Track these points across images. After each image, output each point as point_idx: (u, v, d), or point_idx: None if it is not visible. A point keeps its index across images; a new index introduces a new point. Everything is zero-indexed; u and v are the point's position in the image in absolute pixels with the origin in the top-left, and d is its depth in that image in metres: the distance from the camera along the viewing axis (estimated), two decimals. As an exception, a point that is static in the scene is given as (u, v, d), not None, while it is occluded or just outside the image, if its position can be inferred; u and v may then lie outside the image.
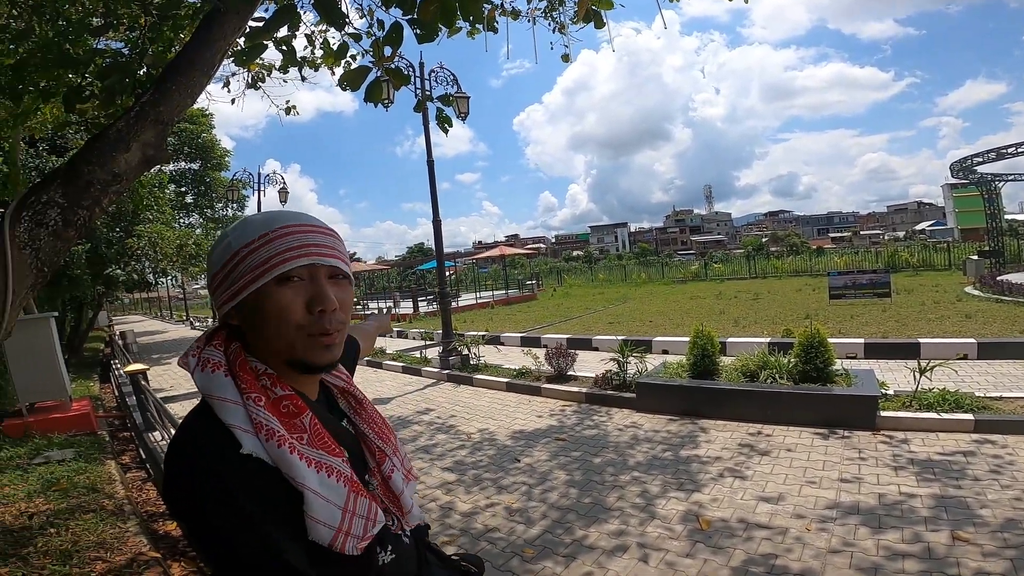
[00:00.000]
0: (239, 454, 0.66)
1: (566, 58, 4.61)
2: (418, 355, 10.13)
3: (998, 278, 14.27)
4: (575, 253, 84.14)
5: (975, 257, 17.80)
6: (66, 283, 10.06)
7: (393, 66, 2.22)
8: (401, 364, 9.81)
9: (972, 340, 7.36)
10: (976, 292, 13.95)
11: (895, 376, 6.17)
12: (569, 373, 7.19)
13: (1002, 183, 17.81)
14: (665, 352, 9.04)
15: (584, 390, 6.49)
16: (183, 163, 20.20)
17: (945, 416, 4.46)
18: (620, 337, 9.55)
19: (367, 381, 9.07)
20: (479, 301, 23.68)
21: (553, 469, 4.48)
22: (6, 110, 2.59)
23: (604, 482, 4.13)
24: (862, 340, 7.95)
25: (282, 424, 0.71)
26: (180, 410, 6.42)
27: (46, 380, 5.86)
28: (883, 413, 4.67)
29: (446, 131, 3.57)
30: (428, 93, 8.13)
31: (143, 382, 6.35)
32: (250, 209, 19.13)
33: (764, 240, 63.92)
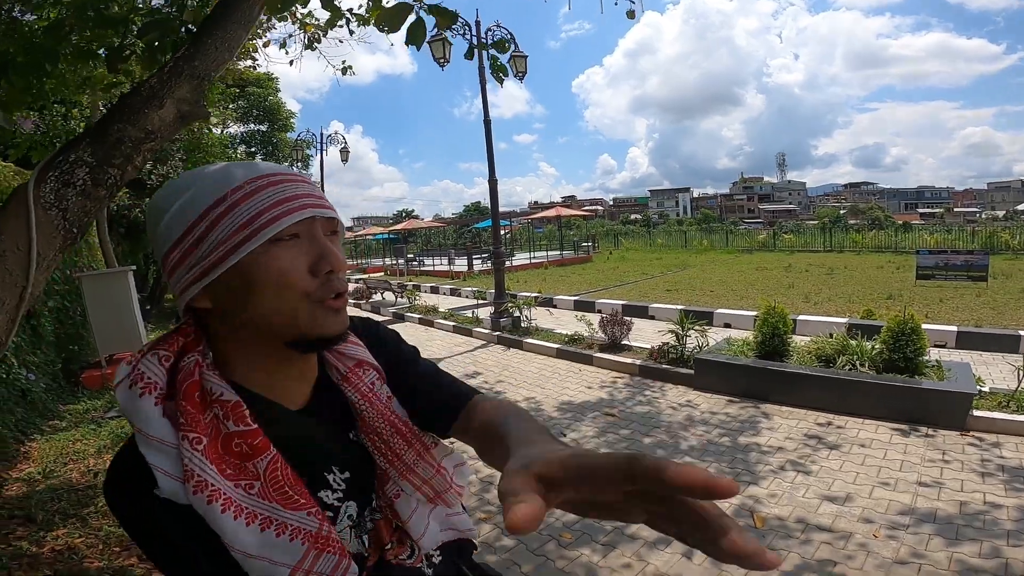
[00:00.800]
0: (160, 497, 0.55)
1: (631, 14, 4.34)
2: (470, 315, 10.15)
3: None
4: (633, 217, 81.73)
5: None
6: (147, 237, 10.70)
7: (436, 2, 1.98)
8: (452, 323, 9.87)
9: (1089, 336, 6.47)
10: (1096, 279, 12.35)
11: (990, 371, 5.53)
12: (623, 342, 6.93)
13: None
14: (727, 326, 8.57)
15: (638, 362, 6.23)
16: (252, 125, 21.12)
17: (1052, 420, 3.93)
18: (679, 307, 9.14)
19: (417, 340, 9.20)
20: (533, 261, 23.50)
21: (599, 447, 4.31)
22: (60, 77, 2.56)
23: None
24: (955, 328, 7.17)
25: (226, 470, 0.57)
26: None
27: (124, 331, 6.00)
28: (976, 413, 4.17)
29: (501, 81, 3.31)
30: (483, 41, 7.86)
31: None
32: (314, 169, 19.69)
33: (842, 212, 59.43)
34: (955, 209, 69.33)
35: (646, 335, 7.60)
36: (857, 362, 4.68)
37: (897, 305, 10.27)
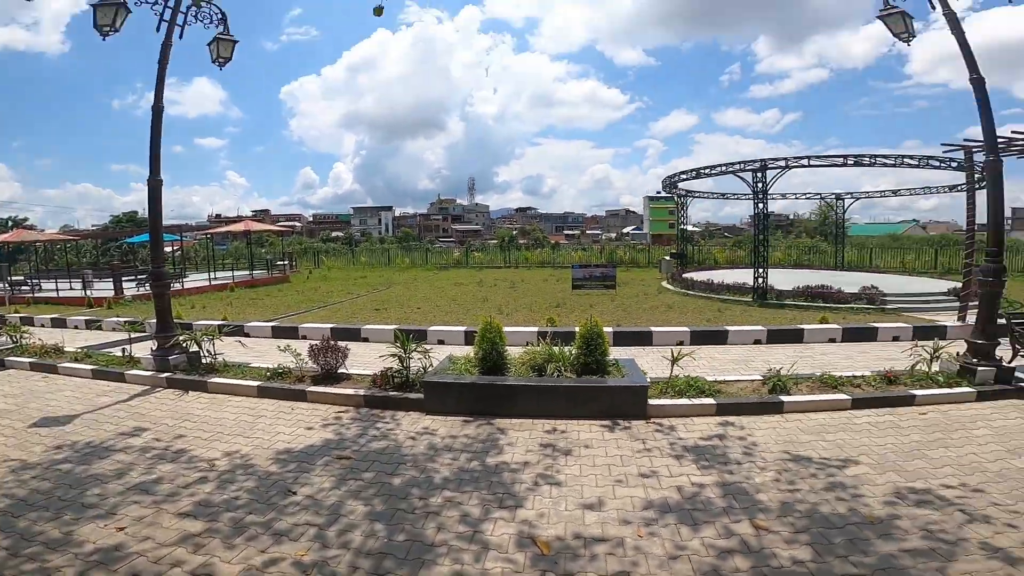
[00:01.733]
0: None
1: (379, 11, 4.57)
2: (119, 353, 7.59)
3: (684, 275, 18.29)
4: (335, 234, 79.05)
5: (668, 258, 22.61)
6: None
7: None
8: (92, 366, 7.18)
9: (686, 328, 9.01)
10: (670, 287, 17.65)
11: (641, 363, 7.02)
12: (340, 371, 6.18)
13: (692, 198, 23.17)
14: (441, 342, 8.70)
15: (362, 392, 5.61)
16: None
17: (695, 401, 5.12)
18: (391, 326, 8.84)
19: (30, 394, 6.33)
20: (214, 283, 19.83)
21: (345, 500, 3.58)
22: None
23: (414, 509, 3.44)
24: (610, 329, 8.98)
25: None
26: None
27: None
28: (651, 402, 5.11)
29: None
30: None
31: None
32: None
33: (515, 232, 70.66)
34: (586, 231, 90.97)
35: (365, 360, 7.00)
36: (563, 368, 5.21)
37: (564, 312, 12.51)
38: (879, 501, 3.45)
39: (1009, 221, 64.18)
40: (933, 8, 5.90)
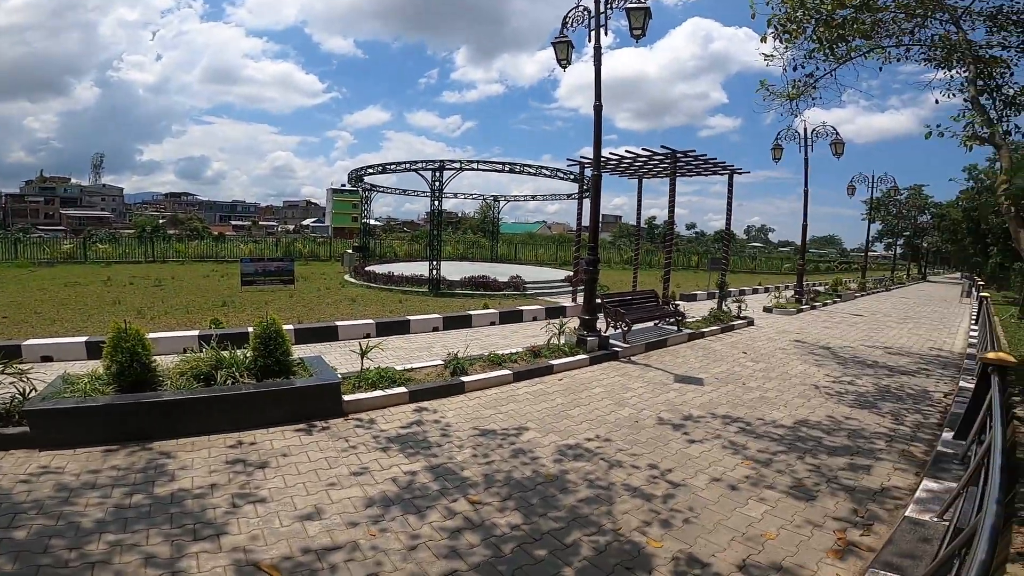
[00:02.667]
0: None
1: None
2: None
3: (366, 268, 18.48)
4: None
5: (350, 251, 22.45)
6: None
7: None
8: None
9: (371, 320, 9.08)
10: (352, 280, 17.58)
11: (329, 359, 6.71)
12: None
13: (376, 193, 23.51)
14: (48, 359, 6.38)
15: None
16: None
17: (389, 392, 5.16)
18: (-51, 348, 6.00)
19: None
20: None
21: None
22: None
23: (66, 563, 2.58)
24: (291, 326, 8.29)
25: None
26: None
27: None
28: (346, 398, 4.90)
29: None
30: None
31: None
32: None
33: (162, 221, 58.00)
34: (259, 222, 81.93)
35: None
36: (236, 374, 4.48)
37: (233, 311, 10.91)
38: (550, 460, 4.15)
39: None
40: (589, 42, 7.47)
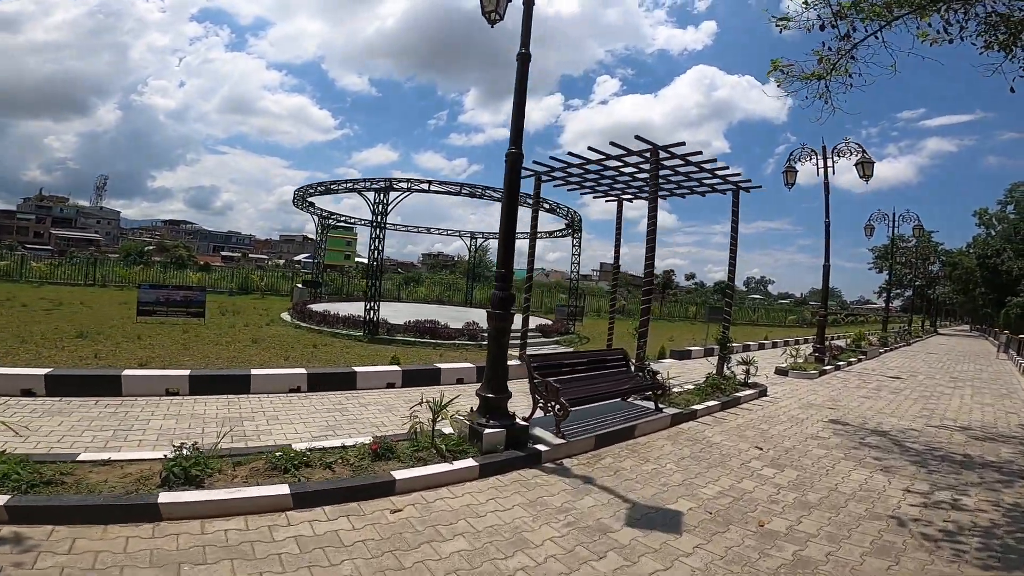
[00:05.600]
0: None
1: None
2: None
3: (307, 306, 15.67)
4: None
5: (300, 285, 19.75)
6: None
7: None
8: None
9: (185, 372, 6.16)
10: (286, 317, 14.78)
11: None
12: None
13: (333, 222, 21.29)
14: None
15: None
16: None
17: None
18: None
19: None
20: None
21: None
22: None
23: None
24: (43, 371, 5.43)
25: None
26: None
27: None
28: None
29: None
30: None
31: None
32: None
33: (149, 248, 56.14)
34: (251, 256, 79.78)
35: None
36: None
37: (84, 344, 8.10)
38: None
39: (597, 272, 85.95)
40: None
